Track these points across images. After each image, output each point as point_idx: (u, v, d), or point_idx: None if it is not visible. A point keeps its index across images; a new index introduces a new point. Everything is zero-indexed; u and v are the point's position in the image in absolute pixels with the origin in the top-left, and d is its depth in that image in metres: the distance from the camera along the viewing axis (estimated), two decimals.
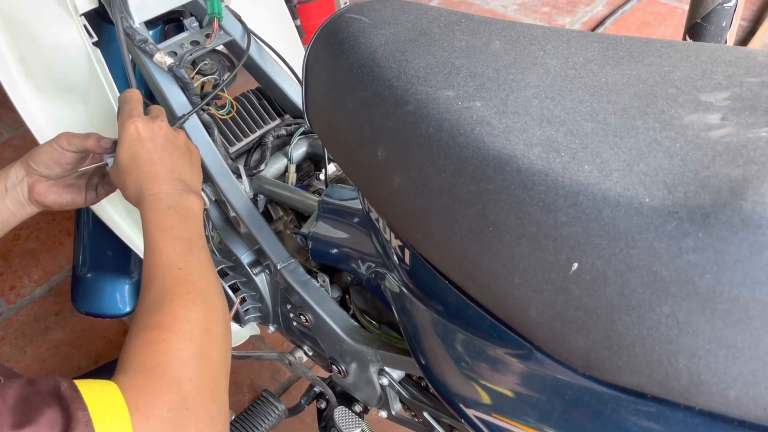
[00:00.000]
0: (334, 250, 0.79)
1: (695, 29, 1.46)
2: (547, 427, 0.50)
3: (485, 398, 0.54)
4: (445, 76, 0.57)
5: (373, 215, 0.65)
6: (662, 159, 0.44)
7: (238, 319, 1.01)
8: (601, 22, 2.26)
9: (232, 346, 1.20)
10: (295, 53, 1.15)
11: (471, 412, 0.55)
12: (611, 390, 0.46)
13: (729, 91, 0.49)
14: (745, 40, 2.14)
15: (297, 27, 0.75)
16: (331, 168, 1.00)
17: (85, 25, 0.93)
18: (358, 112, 0.61)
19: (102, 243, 1.21)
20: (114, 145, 0.79)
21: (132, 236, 1.11)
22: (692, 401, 0.40)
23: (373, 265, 0.72)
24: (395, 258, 0.64)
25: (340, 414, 0.91)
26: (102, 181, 0.87)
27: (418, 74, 0.58)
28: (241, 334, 1.19)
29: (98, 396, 0.52)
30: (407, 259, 0.60)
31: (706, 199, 0.40)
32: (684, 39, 1.48)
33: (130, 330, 0.61)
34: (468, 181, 0.50)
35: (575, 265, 0.44)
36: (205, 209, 0.97)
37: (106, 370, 1.23)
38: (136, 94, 0.80)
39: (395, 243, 0.61)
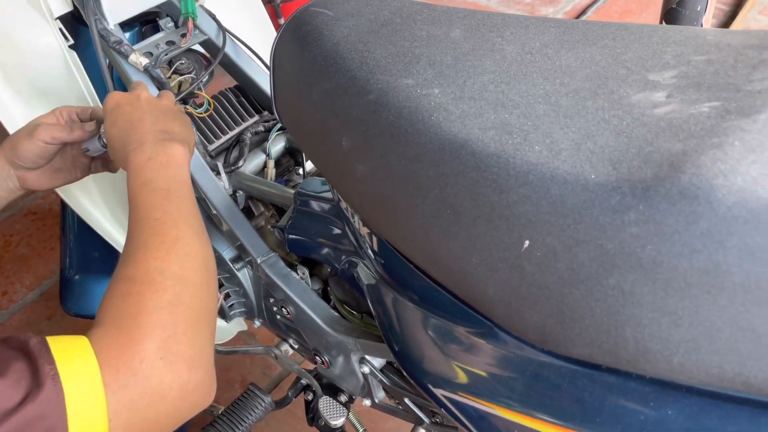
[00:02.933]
0: (311, 242, 0.80)
1: (671, 14, 1.47)
2: (509, 403, 0.51)
3: (452, 378, 0.55)
4: (405, 65, 0.58)
5: (343, 205, 0.66)
6: (609, 137, 0.46)
7: (223, 314, 1.02)
8: (583, 11, 2.27)
9: (220, 342, 1.22)
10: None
11: (439, 392, 0.56)
12: (568, 363, 0.47)
13: (676, 70, 0.50)
14: (725, 24, 2.15)
15: (282, 25, 0.75)
16: (308, 161, 1.01)
17: (60, 29, 0.94)
18: (324, 104, 0.62)
19: (88, 244, 1.21)
20: (98, 127, 0.80)
21: (115, 235, 1.11)
22: (640, 369, 0.42)
23: (347, 254, 0.73)
24: (365, 246, 0.65)
25: (325, 404, 0.92)
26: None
27: (379, 64, 0.59)
28: (228, 330, 1.20)
29: (67, 350, 0.52)
30: (375, 247, 0.61)
31: (647, 173, 0.41)
32: (660, 23, 1.49)
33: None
34: (427, 167, 0.51)
35: (527, 243, 0.45)
36: None
37: None
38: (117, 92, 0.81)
39: (364, 231, 0.62)
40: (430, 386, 0.57)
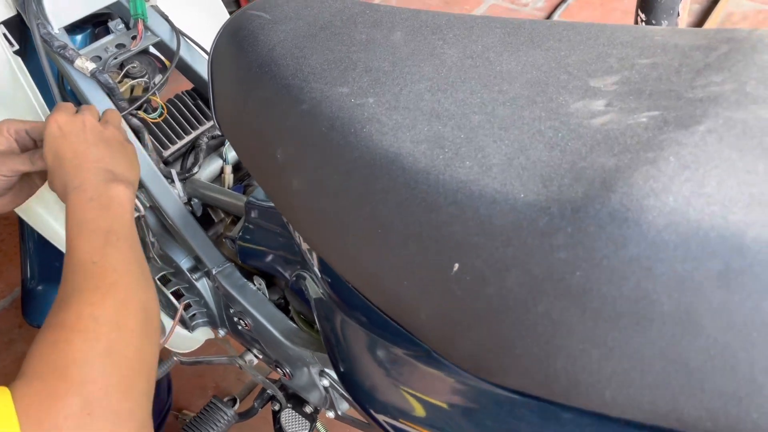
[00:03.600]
0: (261, 253, 0.77)
1: (647, 3, 1.44)
2: (451, 430, 0.48)
3: (392, 403, 0.52)
4: (341, 71, 0.55)
5: (285, 218, 0.63)
6: (542, 151, 0.43)
7: (185, 325, 0.99)
8: (563, 0, 2.23)
9: (185, 351, 1.19)
10: None
11: (381, 418, 0.54)
12: (505, 391, 0.44)
13: (619, 75, 0.47)
14: (708, 9, 2.12)
15: (219, 30, 0.72)
16: None
17: (4, 34, 0.90)
18: (259, 113, 0.59)
19: (49, 253, 1.18)
20: None
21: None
22: (573, 402, 0.39)
23: (296, 267, 0.70)
24: (308, 261, 0.62)
25: (287, 417, 0.90)
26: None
27: (314, 71, 0.56)
28: (195, 338, 1.17)
29: None
30: (316, 262, 0.58)
31: (578, 192, 0.39)
32: (636, 13, 1.46)
33: (38, 332, 0.58)
34: (358, 182, 0.48)
35: (456, 266, 0.42)
36: (142, 216, 0.95)
37: None
38: (64, 104, 0.77)
39: (304, 246, 0.59)
40: (371, 410, 0.54)
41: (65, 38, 0.89)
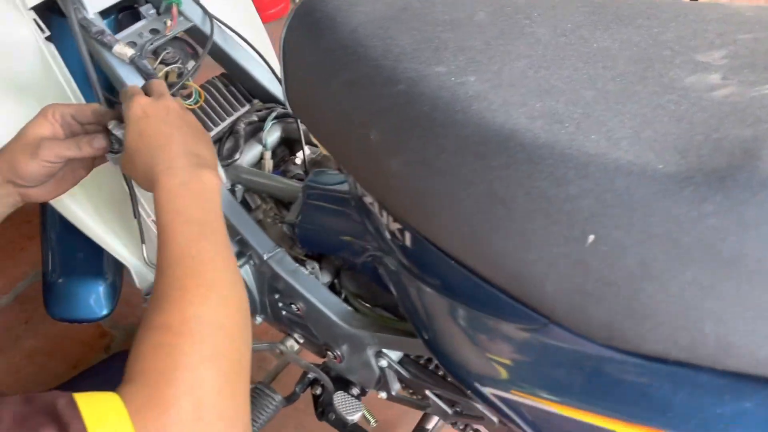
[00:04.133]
0: (324, 237, 0.77)
1: None
2: (568, 400, 0.50)
3: (502, 376, 0.54)
4: (433, 51, 0.55)
5: (367, 199, 0.63)
6: (669, 124, 0.44)
7: None
8: None
9: None
10: (258, 34, 1.11)
11: (488, 391, 0.55)
12: (632, 357, 0.46)
13: (724, 50, 0.49)
14: None
15: (290, 12, 0.71)
16: (306, 151, 0.98)
17: (36, 20, 0.88)
18: (345, 95, 0.59)
19: (72, 245, 1.16)
20: (108, 139, 0.75)
21: (101, 234, 1.06)
22: (720, 364, 0.41)
23: (368, 249, 0.70)
24: (393, 241, 0.62)
25: (340, 399, 0.90)
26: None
27: (405, 51, 0.56)
28: None
29: (98, 414, 0.48)
30: (408, 242, 0.59)
31: (720, 161, 0.40)
32: None
33: (140, 328, 0.56)
34: (471, 160, 0.49)
35: (591, 237, 0.43)
36: None
37: (86, 376, 1.19)
38: (135, 88, 0.75)
39: (394, 227, 0.60)
40: (477, 385, 0.55)
41: (101, 23, 0.87)
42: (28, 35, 0.88)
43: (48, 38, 0.89)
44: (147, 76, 0.88)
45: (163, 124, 0.69)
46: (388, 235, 0.63)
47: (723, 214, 0.38)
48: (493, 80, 0.52)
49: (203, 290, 0.57)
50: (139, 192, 0.94)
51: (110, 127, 0.74)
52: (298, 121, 0.92)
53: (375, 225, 0.66)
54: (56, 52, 0.89)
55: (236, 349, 0.57)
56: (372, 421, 1.00)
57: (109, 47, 0.86)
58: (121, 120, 0.74)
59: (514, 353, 0.52)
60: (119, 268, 1.20)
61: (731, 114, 0.42)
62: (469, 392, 0.57)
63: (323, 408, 1.01)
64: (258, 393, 0.97)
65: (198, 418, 0.51)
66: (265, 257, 0.86)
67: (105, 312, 1.17)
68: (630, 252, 0.42)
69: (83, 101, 0.92)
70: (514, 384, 0.53)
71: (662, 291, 0.41)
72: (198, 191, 0.64)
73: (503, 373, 0.53)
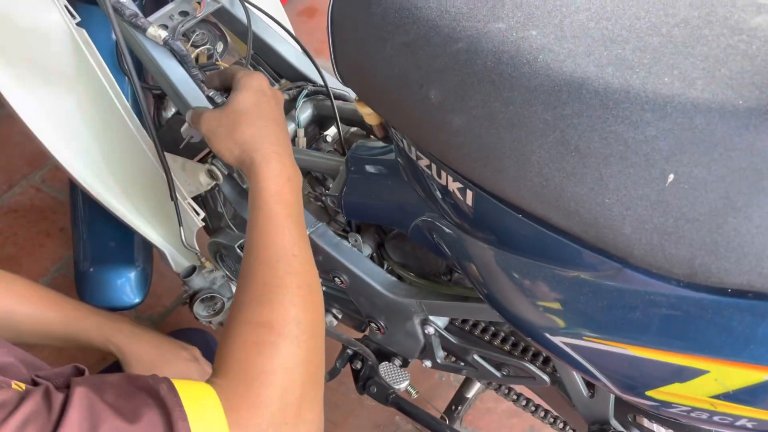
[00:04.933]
0: (372, 206, 0.78)
1: None
2: (643, 340, 0.51)
3: (574, 324, 0.55)
4: (489, 9, 0.56)
5: (423, 162, 0.64)
6: (743, 62, 0.45)
7: None
8: None
9: None
10: (279, 13, 1.11)
11: (559, 340, 0.56)
12: (711, 295, 0.47)
13: None
14: None
15: None
16: (334, 129, 0.98)
17: (66, 6, 0.88)
18: (401, 58, 0.59)
19: (102, 234, 1.16)
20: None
21: (134, 219, 1.06)
22: None
23: (419, 214, 0.71)
24: (452, 202, 0.63)
25: (386, 369, 0.91)
26: None
27: (461, 11, 0.57)
28: None
29: (197, 404, 0.49)
30: (470, 201, 0.60)
31: None
32: None
33: (232, 319, 0.56)
34: (542, 110, 0.50)
35: (671, 177, 0.44)
36: (218, 184, 0.94)
37: (115, 368, 1.20)
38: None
39: (454, 186, 0.61)
40: (547, 335, 0.56)
41: (134, 6, 0.87)
42: (60, 21, 0.88)
43: (79, 24, 0.89)
44: (181, 57, 0.89)
45: (277, 107, 0.69)
46: (444, 197, 0.64)
47: None
48: (556, 33, 0.52)
49: (303, 293, 0.57)
50: (175, 175, 0.94)
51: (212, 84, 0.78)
52: (332, 96, 0.93)
53: (428, 189, 0.67)
54: (88, 38, 0.89)
55: (320, 357, 0.57)
56: (413, 392, 1.01)
57: (143, 30, 0.86)
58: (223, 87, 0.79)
59: (586, 300, 0.53)
60: (149, 255, 1.20)
61: None
62: (534, 344, 0.58)
63: (364, 381, 1.02)
64: None
65: (284, 422, 0.51)
66: (308, 232, 0.86)
67: (137, 300, 1.18)
68: (712, 188, 0.43)
69: (116, 86, 0.92)
70: (586, 330, 0.54)
71: (747, 222, 0.42)
72: (298, 191, 0.63)
73: (575, 321, 0.54)
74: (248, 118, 0.66)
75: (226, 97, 0.76)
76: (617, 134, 0.46)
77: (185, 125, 0.83)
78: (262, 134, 0.65)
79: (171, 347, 0.86)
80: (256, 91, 0.68)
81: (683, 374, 0.49)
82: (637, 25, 0.51)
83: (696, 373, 0.49)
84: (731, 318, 0.46)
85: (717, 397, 0.48)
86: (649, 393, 0.53)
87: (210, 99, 0.83)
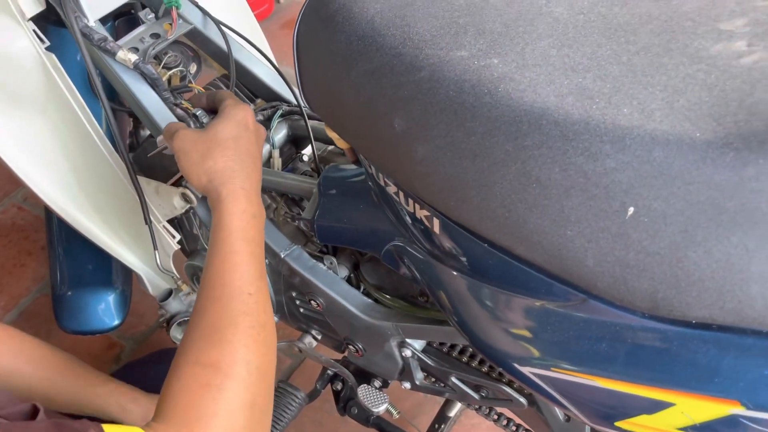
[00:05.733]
0: (344, 230, 0.77)
1: None
2: (611, 372, 0.50)
3: (541, 354, 0.54)
4: (453, 36, 0.56)
5: (390, 189, 0.63)
6: (701, 92, 0.44)
7: None
8: None
9: None
10: (254, 33, 1.11)
11: (527, 371, 0.55)
12: (675, 326, 0.46)
13: (746, 17, 0.49)
14: None
15: (303, 7, 0.71)
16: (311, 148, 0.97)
17: (35, 30, 0.87)
18: (366, 85, 0.59)
19: (79, 257, 1.15)
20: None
21: (110, 242, 1.05)
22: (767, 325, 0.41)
23: (390, 238, 0.70)
24: (420, 229, 0.62)
25: (364, 392, 0.90)
26: None
27: (425, 38, 0.56)
28: None
29: None
30: (437, 228, 0.59)
31: (758, 125, 0.40)
32: None
33: (179, 357, 0.54)
34: (503, 141, 0.49)
35: (631, 210, 0.44)
36: (192, 207, 0.93)
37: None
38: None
39: (421, 213, 0.60)
40: (515, 365, 0.56)
41: (103, 30, 0.87)
42: (28, 46, 0.87)
43: (48, 48, 0.89)
44: (152, 80, 0.88)
45: (257, 144, 0.69)
46: (413, 223, 0.63)
47: (766, 176, 0.39)
48: (518, 61, 0.52)
49: (255, 333, 0.55)
50: (149, 198, 0.93)
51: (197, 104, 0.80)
52: (306, 117, 0.92)
53: (398, 214, 0.66)
54: (57, 62, 0.88)
55: (269, 399, 0.56)
56: (395, 412, 1.00)
57: (113, 54, 0.85)
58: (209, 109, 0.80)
59: (553, 331, 0.52)
60: (129, 276, 1.19)
61: (763, 79, 0.43)
62: (505, 373, 0.58)
63: (345, 403, 1.01)
64: (281, 392, 0.97)
65: None
66: (282, 255, 0.86)
67: (117, 322, 1.17)
68: (672, 221, 0.42)
69: (87, 110, 0.91)
70: (554, 361, 0.53)
71: (707, 257, 0.41)
72: (260, 230, 0.62)
73: (542, 352, 0.54)
74: (223, 149, 0.65)
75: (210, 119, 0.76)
76: (577, 166, 0.46)
77: (160, 136, 0.83)
78: (234, 169, 0.64)
79: None
80: (238, 123, 0.68)
81: (651, 406, 0.49)
82: (598, 52, 0.51)
83: (663, 405, 0.48)
84: (696, 350, 0.45)
85: (684, 429, 0.48)
86: (618, 424, 0.52)
87: (195, 117, 0.83)
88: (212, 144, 0.66)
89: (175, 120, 0.86)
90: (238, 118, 0.69)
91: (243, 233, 0.61)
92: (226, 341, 0.54)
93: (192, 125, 0.81)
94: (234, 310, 0.56)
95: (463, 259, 0.58)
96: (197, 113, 0.83)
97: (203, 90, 0.94)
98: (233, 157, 0.65)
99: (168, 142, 0.72)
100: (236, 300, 0.57)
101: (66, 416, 0.85)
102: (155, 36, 0.91)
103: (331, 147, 0.98)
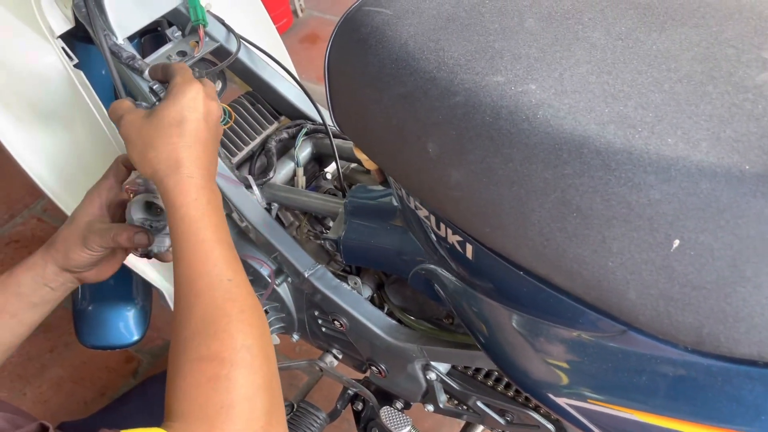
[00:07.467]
0: (371, 251, 0.76)
1: None
2: (650, 406, 0.49)
3: (577, 386, 0.53)
4: (488, 61, 0.55)
5: (421, 213, 0.62)
6: (748, 123, 0.43)
7: None
8: None
9: None
10: (278, 50, 1.11)
11: (562, 401, 0.54)
12: (719, 362, 0.45)
13: None
14: None
15: (334, 29, 0.69)
16: (334, 166, 0.97)
17: (63, 48, 0.87)
18: (399, 109, 0.58)
19: None
20: (148, 238, 0.73)
21: (130, 257, 1.05)
22: None
23: (418, 261, 0.69)
24: (452, 254, 0.62)
25: (387, 414, 0.89)
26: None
27: (459, 63, 0.56)
28: None
29: None
30: (470, 254, 0.58)
31: None
32: None
33: (176, 358, 0.53)
34: (541, 168, 0.49)
35: (677, 242, 0.43)
36: None
37: (123, 402, 1.17)
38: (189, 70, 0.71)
39: (453, 239, 0.59)
40: (550, 395, 0.55)
41: (131, 48, 0.87)
42: (57, 63, 0.88)
43: (76, 65, 0.89)
44: None
45: (206, 128, 0.65)
46: (444, 248, 0.62)
47: None
48: (556, 87, 0.51)
49: (246, 316, 0.55)
50: None
51: (150, 81, 0.77)
52: (331, 135, 0.92)
53: (428, 238, 0.65)
54: (85, 79, 0.89)
55: (277, 377, 0.55)
56: None
57: (140, 72, 0.85)
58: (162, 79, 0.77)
59: (590, 362, 0.51)
60: (149, 292, 1.19)
61: None
62: (538, 403, 0.56)
63: (365, 423, 1.00)
64: (302, 412, 0.96)
65: None
66: (306, 274, 0.85)
67: (136, 337, 1.17)
68: (720, 255, 0.41)
69: (113, 126, 0.91)
70: (591, 393, 0.52)
71: (756, 292, 0.40)
72: (219, 210, 0.61)
73: (579, 383, 0.53)
74: (167, 137, 0.62)
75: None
76: (620, 196, 0.45)
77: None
78: (179, 158, 0.61)
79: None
80: (184, 106, 0.64)
81: None
82: (638, 80, 0.50)
83: None
84: (741, 387, 0.44)
85: None
86: None
87: (151, 90, 0.81)
88: (155, 131, 0.63)
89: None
90: (186, 99, 0.65)
91: (204, 221, 0.59)
92: (221, 331, 0.53)
93: (144, 104, 0.75)
94: (219, 299, 0.55)
95: (497, 285, 0.57)
96: (154, 86, 0.79)
97: (229, 108, 0.94)
98: (178, 144, 0.62)
99: (114, 122, 0.69)
100: (218, 289, 0.56)
101: (80, 429, 0.85)
102: (182, 54, 0.91)
103: (353, 165, 0.98)
